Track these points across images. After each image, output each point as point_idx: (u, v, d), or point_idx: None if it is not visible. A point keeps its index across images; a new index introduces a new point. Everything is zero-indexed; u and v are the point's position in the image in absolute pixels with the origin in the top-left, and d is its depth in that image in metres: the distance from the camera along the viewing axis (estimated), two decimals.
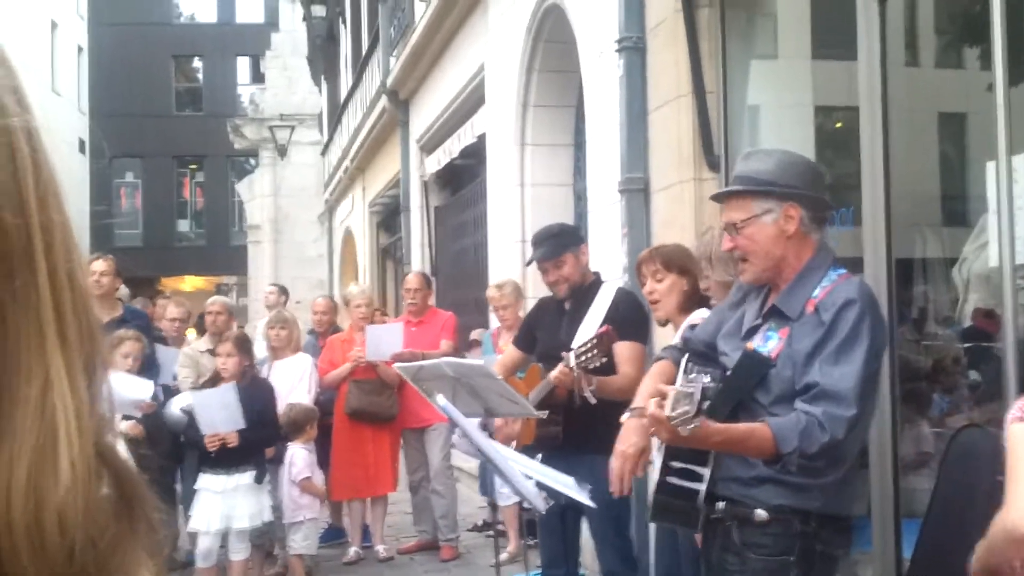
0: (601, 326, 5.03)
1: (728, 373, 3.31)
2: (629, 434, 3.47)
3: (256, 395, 7.10)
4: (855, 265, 4.39)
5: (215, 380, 7.15)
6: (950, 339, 5.96)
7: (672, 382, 3.32)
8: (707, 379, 3.25)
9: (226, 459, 6.83)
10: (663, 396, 2.94)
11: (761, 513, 3.13)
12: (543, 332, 5.59)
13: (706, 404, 2.96)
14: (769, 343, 3.26)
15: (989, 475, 3.52)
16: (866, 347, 3.09)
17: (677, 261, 4.76)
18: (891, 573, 4.27)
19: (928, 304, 6.15)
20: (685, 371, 3.41)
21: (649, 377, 3.63)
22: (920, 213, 6.17)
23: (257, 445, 7.00)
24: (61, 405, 0.64)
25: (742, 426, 3.12)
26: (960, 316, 5.76)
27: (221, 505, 6.88)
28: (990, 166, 3.80)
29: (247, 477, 6.89)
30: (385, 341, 8.13)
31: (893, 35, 4.71)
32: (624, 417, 3.52)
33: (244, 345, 7.24)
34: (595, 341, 4.73)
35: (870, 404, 3.24)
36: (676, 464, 3.28)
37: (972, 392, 5.50)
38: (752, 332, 3.36)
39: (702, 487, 3.21)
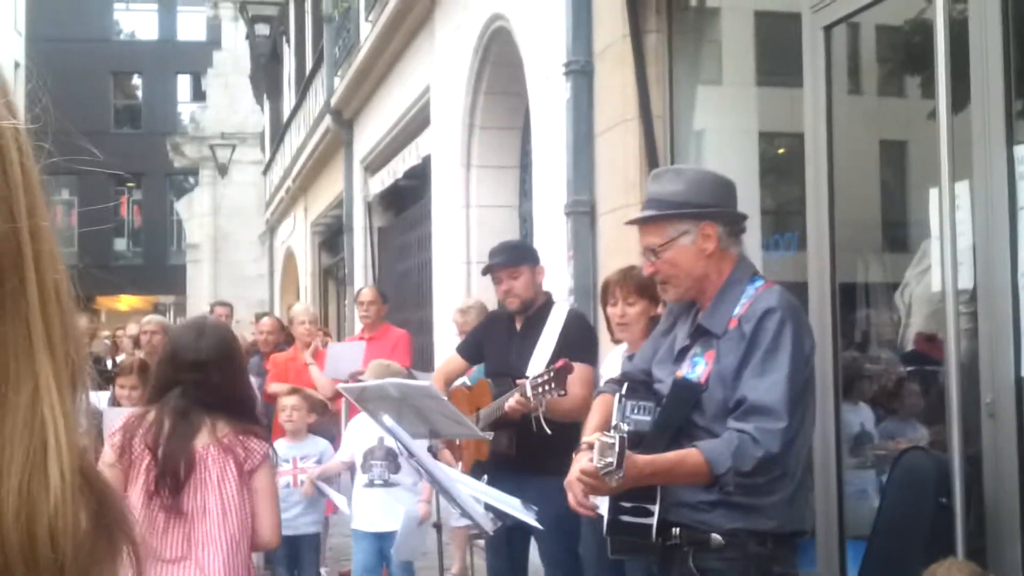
0: (555, 353, 5.03)
1: (662, 403, 3.28)
2: (576, 466, 3.43)
3: None
4: (800, 289, 4.44)
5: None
6: (893, 363, 6.04)
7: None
8: (640, 415, 3.22)
9: None
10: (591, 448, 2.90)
11: (717, 538, 3.09)
12: (493, 349, 5.56)
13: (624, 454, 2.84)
14: (697, 368, 3.23)
15: (933, 497, 3.58)
16: (790, 354, 3.07)
17: (650, 288, 4.77)
18: None
19: (871, 328, 6.23)
20: (619, 406, 3.36)
21: (593, 413, 3.57)
22: (863, 238, 6.25)
23: None
24: (51, 415, 0.62)
25: (672, 455, 3.06)
26: (903, 340, 5.84)
27: None
28: (933, 192, 3.86)
29: None
30: (345, 359, 8.01)
31: (838, 63, 4.78)
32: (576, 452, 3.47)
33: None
34: (552, 375, 4.71)
35: (807, 412, 3.21)
36: (626, 504, 3.21)
37: (915, 415, 5.57)
38: (684, 353, 3.33)
39: (653, 521, 3.16)
